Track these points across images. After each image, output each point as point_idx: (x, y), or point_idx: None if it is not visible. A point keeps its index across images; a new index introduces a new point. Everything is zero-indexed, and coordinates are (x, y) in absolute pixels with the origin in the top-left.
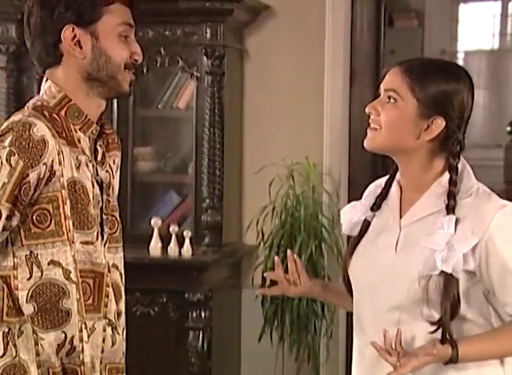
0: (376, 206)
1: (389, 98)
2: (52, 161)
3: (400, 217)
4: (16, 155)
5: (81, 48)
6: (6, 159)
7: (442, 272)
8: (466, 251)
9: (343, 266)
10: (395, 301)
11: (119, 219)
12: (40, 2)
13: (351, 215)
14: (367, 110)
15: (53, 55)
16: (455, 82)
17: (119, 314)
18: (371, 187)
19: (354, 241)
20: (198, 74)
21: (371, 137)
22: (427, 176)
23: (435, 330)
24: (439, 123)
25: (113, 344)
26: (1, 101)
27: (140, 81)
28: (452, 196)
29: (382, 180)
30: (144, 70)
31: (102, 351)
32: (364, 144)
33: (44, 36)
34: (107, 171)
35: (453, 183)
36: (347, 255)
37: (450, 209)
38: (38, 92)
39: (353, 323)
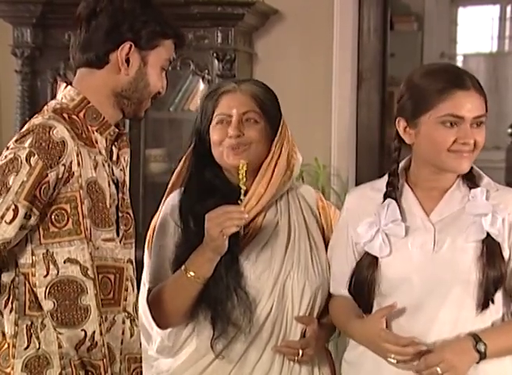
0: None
1: (477, 124)
2: (71, 162)
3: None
4: (36, 156)
5: (128, 66)
6: (26, 159)
7: (486, 240)
8: (503, 217)
9: (367, 278)
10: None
11: (132, 215)
12: (115, 10)
13: (371, 235)
14: (467, 141)
15: (102, 59)
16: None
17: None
18: (364, 195)
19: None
20: (209, 77)
21: (468, 161)
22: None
23: (483, 306)
24: None
25: (132, 335)
26: (15, 103)
27: None
28: (471, 174)
29: (376, 187)
30: None
31: (122, 343)
32: (462, 169)
33: (103, 40)
34: (121, 170)
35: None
36: (372, 268)
37: (474, 183)
38: (52, 95)
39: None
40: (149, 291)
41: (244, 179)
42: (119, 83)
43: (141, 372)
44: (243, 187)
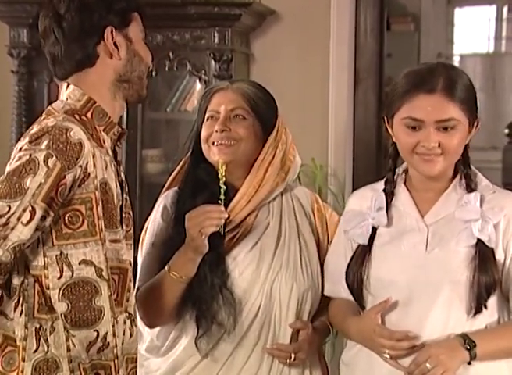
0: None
1: (446, 128)
2: (87, 163)
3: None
4: (54, 157)
5: (117, 49)
6: (44, 161)
7: (478, 245)
8: (496, 221)
9: (356, 274)
10: (436, 297)
11: (132, 216)
12: (79, 6)
13: (358, 224)
14: (426, 145)
15: (92, 55)
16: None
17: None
18: (364, 195)
19: (366, 248)
20: (206, 78)
21: (438, 164)
22: (444, 176)
23: (476, 311)
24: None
25: (131, 335)
26: (12, 104)
27: (149, 85)
28: (468, 176)
29: (376, 187)
30: (153, 74)
31: (122, 343)
32: (433, 172)
33: (85, 38)
34: (121, 170)
35: (466, 163)
36: (361, 261)
37: (470, 187)
38: (49, 95)
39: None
40: (137, 290)
41: (224, 178)
42: (116, 69)
43: (136, 372)
44: (223, 187)
